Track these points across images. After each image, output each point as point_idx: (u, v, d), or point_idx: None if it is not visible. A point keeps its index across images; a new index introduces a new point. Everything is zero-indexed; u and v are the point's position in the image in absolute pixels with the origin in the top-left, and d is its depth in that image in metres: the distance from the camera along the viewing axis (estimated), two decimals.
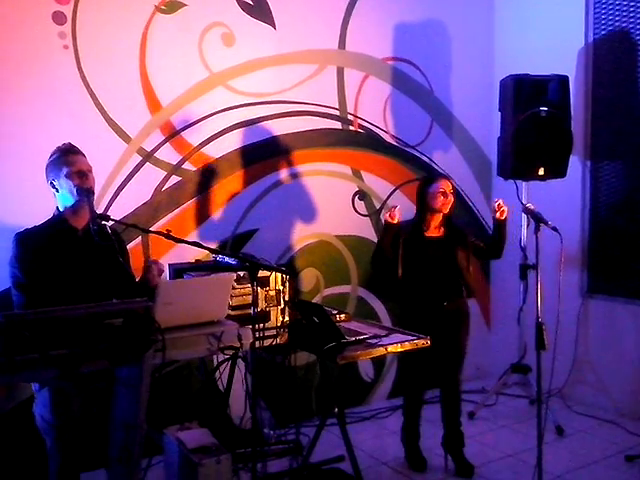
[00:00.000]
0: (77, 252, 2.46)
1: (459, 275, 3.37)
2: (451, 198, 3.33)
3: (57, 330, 1.83)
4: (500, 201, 3.38)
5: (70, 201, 2.47)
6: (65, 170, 2.46)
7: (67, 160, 2.48)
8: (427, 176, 3.78)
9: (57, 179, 2.48)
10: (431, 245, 3.35)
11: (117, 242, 2.51)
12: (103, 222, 2.44)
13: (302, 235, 4.10)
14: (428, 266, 3.33)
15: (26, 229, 2.47)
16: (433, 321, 3.27)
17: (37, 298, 2.32)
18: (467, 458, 3.36)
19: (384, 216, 3.37)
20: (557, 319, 2.91)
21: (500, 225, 3.39)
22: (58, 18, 3.24)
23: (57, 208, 2.53)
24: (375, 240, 4.35)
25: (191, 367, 3.56)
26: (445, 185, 3.32)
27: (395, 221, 3.24)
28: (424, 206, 3.35)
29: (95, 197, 2.54)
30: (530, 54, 4.43)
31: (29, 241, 2.42)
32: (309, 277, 4.13)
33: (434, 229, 3.38)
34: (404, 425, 3.49)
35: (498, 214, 3.36)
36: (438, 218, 3.36)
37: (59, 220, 2.50)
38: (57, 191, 2.50)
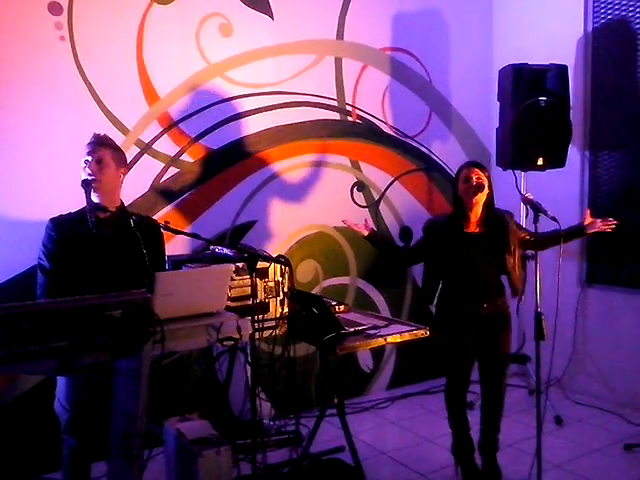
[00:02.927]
0: (95, 242, 2.50)
1: (505, 275, 3.12)
2: (474, 183, 3.00)
3: (56, 322, 1.83)
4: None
5: None
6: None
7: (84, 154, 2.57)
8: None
9: None
10: (471, 243, 3.06)
11: (147, 233, 2.52)
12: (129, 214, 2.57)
13: (301, 226, 4.09)
14: (468, 266, 3.05)
15: (60, 215, 2.57)
16: (471, 325, 3.09)
17: (56, 283, 2.44)
18: (499, 464, 3.18)
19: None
20: (556, 309, 2.91)
21: (581, 234, 3.29)
22: (54, 9, 3.22)
23: None
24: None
25: (191, 358, 3.56)
26: (469, 171, 3.05)
27: (366, 233, 3.21)
28: (457, 199, 3.11)
29: (96, 186, 2.51)
30: (529, 43, 4.41)
31: (58, 227, 2.52)
32: (308, 268, 4.13)
33: (475, 225, 3.09)
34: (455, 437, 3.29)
35: (598, 225, 3.22)
36: (477, 212, 3.06)
37: (87, 210, 2.53)
38: None
